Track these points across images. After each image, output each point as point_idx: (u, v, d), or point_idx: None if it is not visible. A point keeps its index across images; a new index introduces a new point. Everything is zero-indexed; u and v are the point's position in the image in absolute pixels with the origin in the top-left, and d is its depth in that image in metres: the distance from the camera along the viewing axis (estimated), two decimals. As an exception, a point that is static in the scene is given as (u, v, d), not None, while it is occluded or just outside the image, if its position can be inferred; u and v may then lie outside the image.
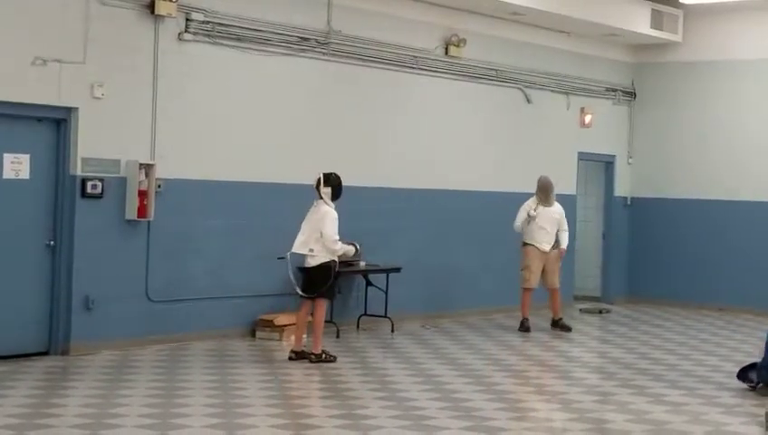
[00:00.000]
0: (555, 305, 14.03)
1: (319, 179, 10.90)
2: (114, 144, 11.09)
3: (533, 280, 13.84)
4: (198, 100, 11.83)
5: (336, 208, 10.94)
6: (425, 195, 14.33)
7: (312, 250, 10.80)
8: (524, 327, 13.71)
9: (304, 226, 10.89)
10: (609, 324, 15.00)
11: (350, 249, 11.25)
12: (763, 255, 16.29)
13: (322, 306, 11.04)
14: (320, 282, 10.86)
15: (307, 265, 10.90)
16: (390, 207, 13.81)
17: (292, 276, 10.88)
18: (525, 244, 13.87)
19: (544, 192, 13.88)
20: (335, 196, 10.91)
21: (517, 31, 15.43)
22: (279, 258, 11.06)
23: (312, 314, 11.08)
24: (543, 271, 13.88)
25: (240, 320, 12.26)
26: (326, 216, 10.74)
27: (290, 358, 10.95)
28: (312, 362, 10.79)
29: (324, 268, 10.85)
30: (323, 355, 10.87)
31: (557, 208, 14.00)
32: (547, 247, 13.86)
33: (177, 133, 11.61)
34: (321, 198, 10.86)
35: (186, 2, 11.56)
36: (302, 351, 10.98)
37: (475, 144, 15.05)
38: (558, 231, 13.96)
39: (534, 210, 13.72)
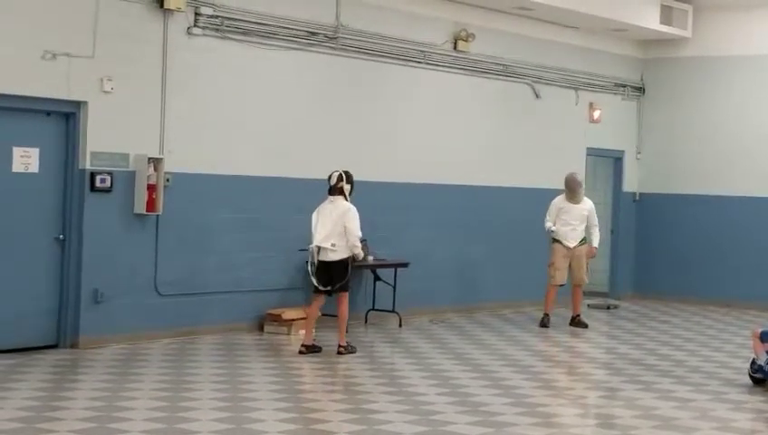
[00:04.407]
0: (576, 301, 14.01)
1: (340, 175, 11.04)
2: (123, 138, 11.11)
3: (559, 277, 13.82)
4: (207, 94, 11.84)
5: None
6: (432, 190, 14.33)
7: (333, 245, 10.97)
8: (544, 323, 13.71)
9: (324, 220, 11.00)
10: (617, 320, 14.99)
11: (361, 252, 11.36)
12: (772, 251, 16.30)
13: (346, 300, 11.21)
14: (339, 276, 11.02)
15: (328, 260, 11.02)
16: (398, 201, 13.80)
17: (311, 269, 10.96)
18: (554, 240, 13.85)
19: (571, 190, 13.84)
20: (351, 192, 11.11)
21: (526, 26, 15.42)
22: (301, 250, 11.07)
23: (316, 309, 11.26)
24: (570, 267, 13.86)
25: (248, 314, 12.28)
26: (350, 212, 10.96)
27: (300, 352, 10.99)
28: (340, 353, 10.97)
29: (344, 263, 11.04)
30: (349, 347, 11.10)
31: (586, 205, 13.95)
32: (572, 244, 13.81)
33: (185, 127, 11.62)
34: (340, 194, 11.01)
35: (195, -4, 11.61)
36: (313, 344, 11.04)
37: (482, 139, 15.04)
38: (587, 226, 13.92)
39: (554, 224, 13.66)
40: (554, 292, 13.84)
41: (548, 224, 13.76)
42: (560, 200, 13.84)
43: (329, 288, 11.07)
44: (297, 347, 11.19)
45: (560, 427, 8.40)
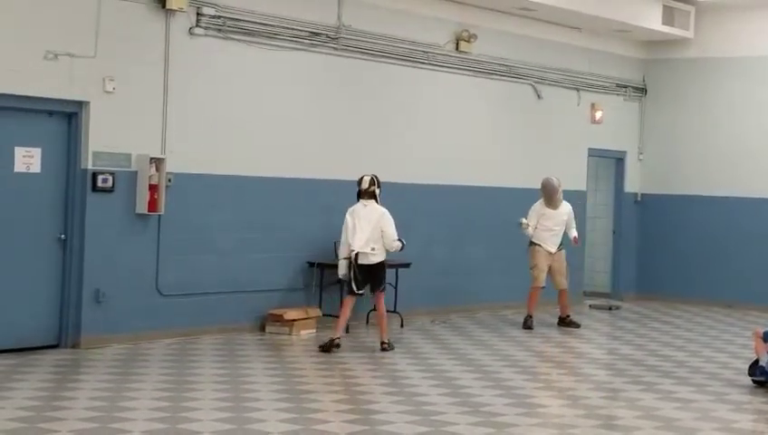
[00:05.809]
0: (563, 303, 14.01)
1: (372, 179, 11.39)
2: (125, 138, 11.12)
3: (542, 278, 13.83)
4: (209, 94, 11.84)
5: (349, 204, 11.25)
6: (434, 190, 14.32)
7: (373, 248, 11.32)
8: (527, 325, 13.68)
9: (362, 225, 11.27)
10: (619, 321, 14.99)
11: (398, 245, 11.59)
12: (774, 251, 16.29)
13: (383, 298, 11.56)
14: (380, 277, 11.44)
15: (369, 263, 11.33)
16: (399, 202, 13.70)
17: (351, 274, 11.24)
18: (532, 243, 13.85)
19: (548, 195, 13.82)
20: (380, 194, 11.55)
21: (528, 26, 15.41)
22: (344, 259, 11.31)
23: (349, 309, 11.57)
24: (550, 271, 13.87)
25: (250, 314, 12.28)
26: (385, 216, 11.34)
27: (324, 349, 11.14)
28: (384, 350, 11.29)
29: (384, 265, 11.46)
30: (390, 343, 11.44)
31: (565, 210, 13.92)
32: (553, 248, 13.83)
33: (187, 127, 11.62)
34: (371, 197, 11.36)
35: (197, -4, 11.61)
36: (334, 339, 11.26)
37: (485, 140, 15.04)
38: (566, 229, 13.96)
39: (534, 229, 13.69)
40: (538, 293, 13.84)
41: (524, 221, 13.69)
42: (540, 206, 13.82)
43: (362, 292, 11.39)
44: (298, 348, 11.18)
45: (561, 428, 8.39)
